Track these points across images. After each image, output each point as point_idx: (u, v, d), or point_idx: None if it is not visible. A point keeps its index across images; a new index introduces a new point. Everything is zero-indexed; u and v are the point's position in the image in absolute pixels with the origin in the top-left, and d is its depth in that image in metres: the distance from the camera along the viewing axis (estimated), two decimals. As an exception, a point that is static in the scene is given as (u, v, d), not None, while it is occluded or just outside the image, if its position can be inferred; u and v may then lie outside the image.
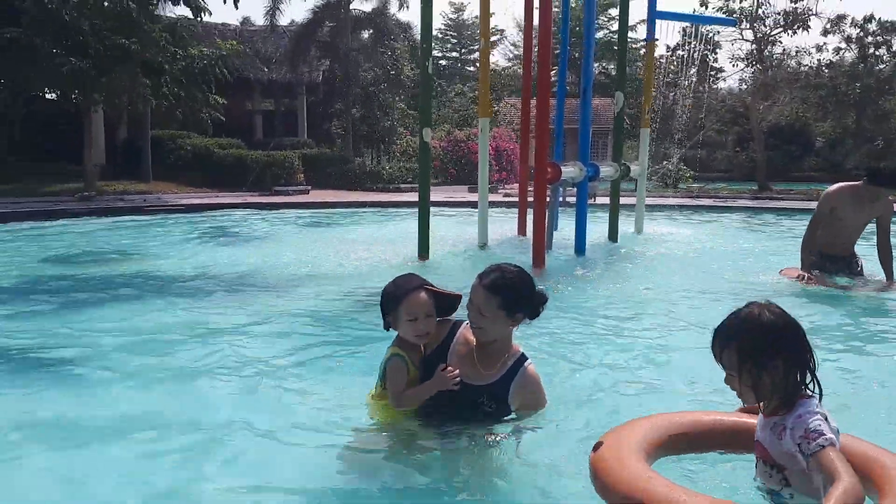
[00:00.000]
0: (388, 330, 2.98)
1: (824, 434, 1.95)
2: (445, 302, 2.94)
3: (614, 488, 1.93)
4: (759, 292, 6.26)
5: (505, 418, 2.88)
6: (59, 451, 2.86)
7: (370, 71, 26.65)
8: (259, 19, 29.55)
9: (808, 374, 2.10)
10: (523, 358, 2.92)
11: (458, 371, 2.77)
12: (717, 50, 26.78)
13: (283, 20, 26.88)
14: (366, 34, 27.53)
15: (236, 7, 22.19)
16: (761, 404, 2.17)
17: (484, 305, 2.77)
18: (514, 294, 2.78)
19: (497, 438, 2.78)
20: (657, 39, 11.03)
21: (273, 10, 25.34)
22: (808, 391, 2.12)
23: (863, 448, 2.13)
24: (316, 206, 16.65)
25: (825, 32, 28.78)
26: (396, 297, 2.86)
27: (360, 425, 3.01)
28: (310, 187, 20.69)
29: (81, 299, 5.99)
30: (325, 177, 22.73)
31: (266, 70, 26.62)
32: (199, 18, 18.33)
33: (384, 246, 9.16)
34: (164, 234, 11.46)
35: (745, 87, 26.97)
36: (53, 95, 19.23)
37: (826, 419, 2.03)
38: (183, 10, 18.41)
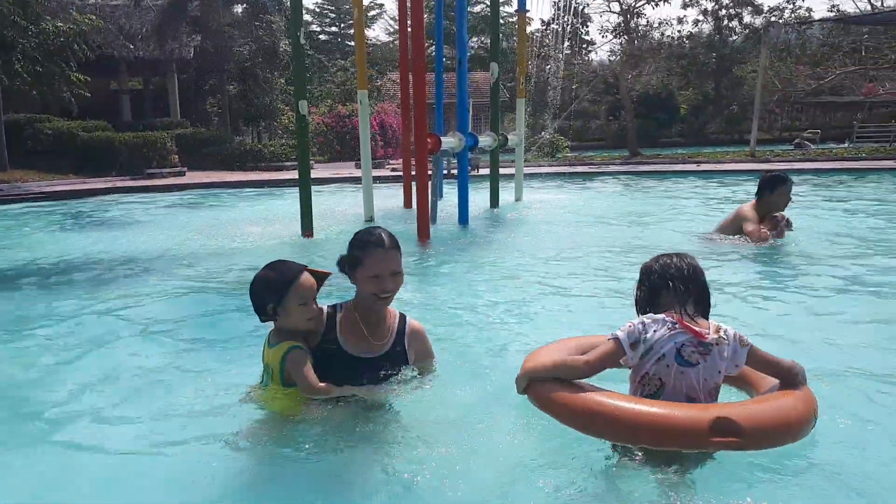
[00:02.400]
0: (267, 321, 2.84)
1: (617, 330, 2.49)
2: (321, 281, 2.94)
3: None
4: (622, 249, 6.77)
5: (405, 376, 2.95)
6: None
7: (245, 46, 25.72)
8: (120, -8, 27.63)
9: (650, 300, 2.61)
10: (404, 316, 3.06)
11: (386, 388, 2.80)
12: (588, 23, 27.86)
13: (148, -6, 25.34)
14: (239, 8, 26.48)
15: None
16: None
17: (400, 264, 2.87)
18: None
19: (404, 398, 2.85)
20: (528, 11, 11.38)
21: (135, -17, 23.84)
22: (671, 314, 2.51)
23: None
24: (193, 187, 16.01)
25: (685, 5, 30.65)
26: (283, 283, 2.75)
27: (260, 416, 2.83)
28: (185, 169, 19.84)
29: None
30: (202, 158, 21.85)
31: (132, 47, 25.03)
32: (51, -9, 16.99)
33: (266, 225, 9.02)
34: (25, 225, 10.69)
35: (616, 58, 28.26)
36: None
37: (643, 326, 2.45)
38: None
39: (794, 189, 6.51)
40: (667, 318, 2.45)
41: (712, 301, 2.61)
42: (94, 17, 19.06)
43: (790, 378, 2.46)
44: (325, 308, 2.92)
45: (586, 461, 2.41)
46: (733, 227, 6.57)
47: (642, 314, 2.55)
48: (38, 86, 17.03)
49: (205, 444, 2.66)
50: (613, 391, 2.45)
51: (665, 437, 2.22)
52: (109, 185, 16.08)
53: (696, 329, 2.42)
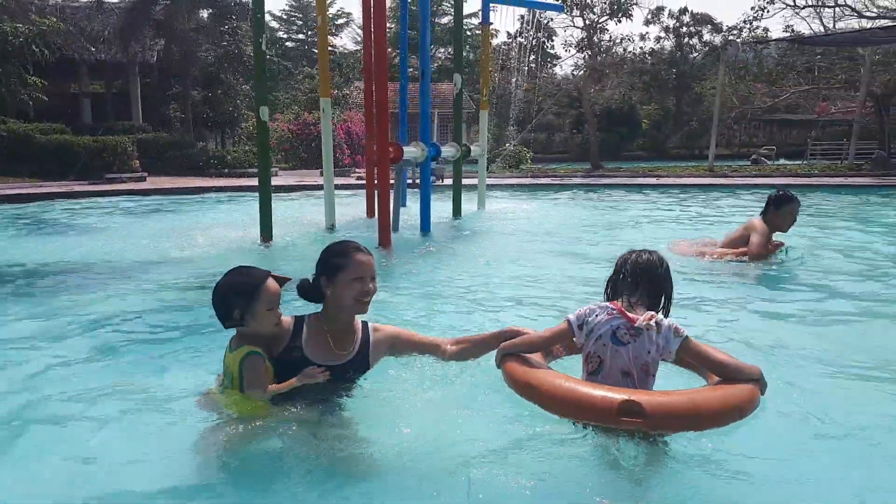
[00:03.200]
0: (232, 327, 2.86)
1: (569, 313, 2.87)
2: (281, 286, 2.98)
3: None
4: (581, 257, 6.92)
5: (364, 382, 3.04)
6: None
7: (210, 51, 25.50)
8: (82, -6, 27.20)
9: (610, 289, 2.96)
10: (366, 324, 3.13)
11: (326, 372, 2.82)
12: (553, 37, 28.31)
13: (111, -4, 25.01)
14: (205, 13, 26.26)
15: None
16: None
17: (375, 270, 3.00)
18: None
19: (359, 401, 2.93)
20: (492, 24, 11.55)
21: (98, -15, 23.52)
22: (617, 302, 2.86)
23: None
24: (153, 192, 15.79)
25: (647, 22, 31.30)
26: (251, 288, 2.77)
27: (220, 419, 2.81)
28: (146, 174, 19.53)
29: None
30: (163, 163, 21.55)
31: (93, 50, 24.61)
32: (9, -9, 16.64)
33: (227, 230, 8.96)
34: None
35: (579, 72, 28.74)
36: None
37: (590, 311, 2.83)
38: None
39: (747, 202, 6.63)
40: (610, 306, 2.82)
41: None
42: (54, 19, 18.70)
43: (731, 375, 2.66)
44: (289, 318, 2.97)
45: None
46: (741, 240, 6.37)
47: (606, 300, 2.91)
48: (-5, 87, 16.65)
49: (168, 450, 2.65)
50: (553, 370, 2.83)
51: (578, 411, 2.56)
52: (66, 189, 15.76)
53: (630, 315, 2.75)
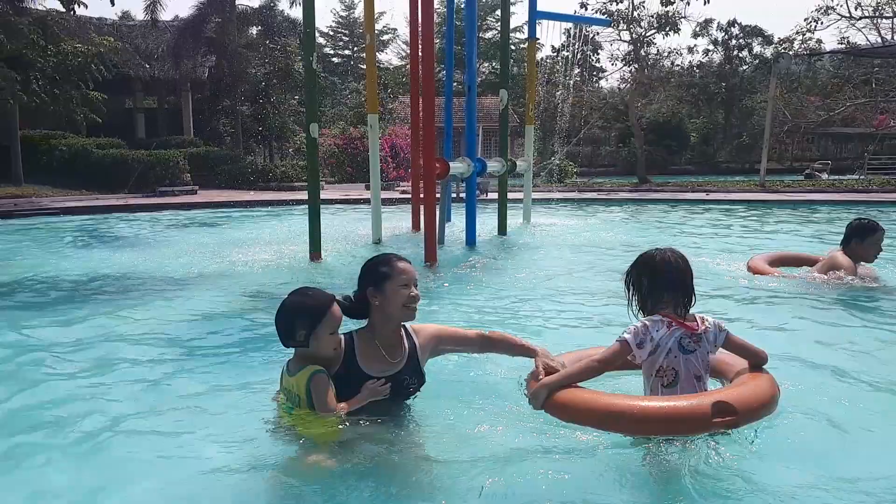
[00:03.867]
0: (292, 347, 2.86)
1: (622, 334, 2.86)
2: None
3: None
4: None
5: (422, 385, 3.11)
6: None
7: (259, 67, 26.08)
8: (139, 14, 28.17)
9: (664, 298, 2.91)
10: (405, 327, 3.14)
11: (387, 384, 2.90)
12: (599, 51, 28.10)
13: (166, 15, 25.90)
14: (254, 30, 26.91)
15: (112, 3, 20.79)
16: None
17: (417, 277, 3.05)
18: None
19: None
20: (538, 38, 11.51)
21: (153, 5, 24.34)
22: (668, 312, 2.89)
23: (721, 356, 3.04)
24: (204, 206, 16.15)
25: (695, 35, 30.88)
26: (317, 312, 2.80)
27: (293, 440, 2.79)
28: (197, 187, 20.02)
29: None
30: (214, 176, 22.07)
31: (148, 67, 25.48)
32: (71, 11, 17.32)
33: (277, 246, 9.06)
34: (36, 240, 10.80)
35: (625, 85, 28.44)
36: None
37: (646, 329, 2.83)
38: (53, 3, 17.37)
39: (802, 218, 6.36)
40: (663, 318, 2.86)
41: None
42: (111, 39, 19.41)
43: (761, 361, 2.94)
44: (340, 337, 3.00)
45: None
46: (823, 271, 5.96)
47: (643, 306, 2.95)
48: (55, 104, 17.29)
49: (248, 472, 2.62)
50: (614, 394, 2.87)
51: (672, 426, 2.61)
52: (121, 202, 16.25)
53: (687, 324, 2.86)
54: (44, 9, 17.63)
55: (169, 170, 20.27)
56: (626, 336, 2.85)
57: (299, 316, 2.79)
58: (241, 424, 3.02)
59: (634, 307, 2.98)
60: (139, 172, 19.72)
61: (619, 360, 2.89)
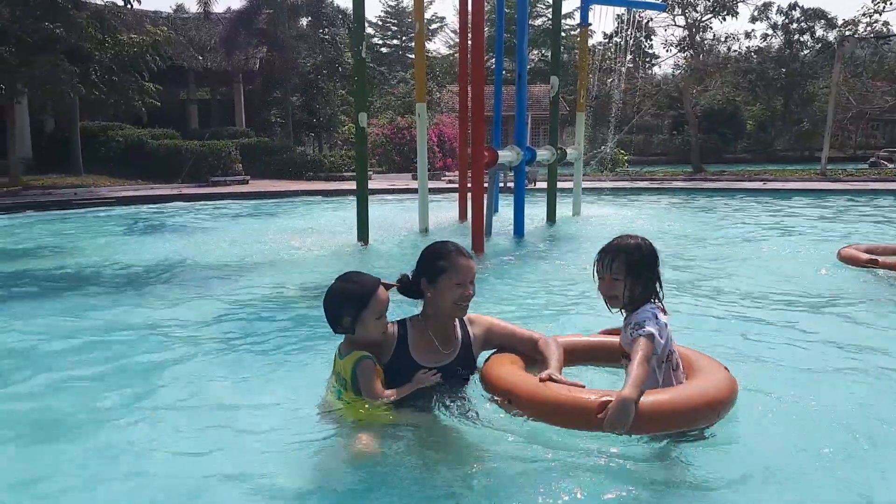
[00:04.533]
0: (341, 333, 2.83)
1: (644, 327, 2.65)
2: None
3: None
4: (686, 266, 6.53)
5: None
6: (3, 452, 2.76)
7: (309, 58, 26.29)
8: (192, 6, 28.76)
9: (656, 287, 2.85)
10: (462, 321, 3.07)
11: (437, 374, 2.84)
12: (652, 36, 27.39)
13: (218, 7, 26.39)
14: (304, 21, 27.12)
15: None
16: (623, 310, 2.85)
17: (475, 274, 2.97)
18: None
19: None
20: (591, 24, 11.24)
21: (206, -3, 24.79)
22: (656, 301, 2.83)
23: (685, 352, 3.00)
24: (255, 196, 16.39)
25: (753, 19, 29.85)
26: (362, 297, 2.76)
27: (340, 424, 2.79)
28: (249, 177, 20.34)
29: (15, 295, 5.78)
30: (264, 166, 22.38)
31: (200, 58, 25.94)
32: (128, 5, 17.72)
33: (327, 235, 9.11)
34: (97, 228, 11.11)
35: (679, 72, 27.67)
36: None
37: (656, 318, 2.70)
38: (111, -4, 17.78)
39: (872, 209, 6.04)
40: (657, 305, 2.81)
41: None
42: (165, 29, 19.79)
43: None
44: (393, 324, 2.96)
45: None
46: None
47: (633, 296, 2.80)
48: (113, 95, 17.73)
49: (297, 455, 2.63)
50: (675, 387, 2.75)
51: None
52: (175, 191, 16.60)
53: (665, 309, 2.85)
54: (102, 3, 18.06)
55: (221, 160, 20.63)
56: (652, 331, 2.66)
57: (345, 303, 2.77)
58: (295, 408, 3.02)
59: (625, 298, 2.80)
60: (192, 162, 20.12)
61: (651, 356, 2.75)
